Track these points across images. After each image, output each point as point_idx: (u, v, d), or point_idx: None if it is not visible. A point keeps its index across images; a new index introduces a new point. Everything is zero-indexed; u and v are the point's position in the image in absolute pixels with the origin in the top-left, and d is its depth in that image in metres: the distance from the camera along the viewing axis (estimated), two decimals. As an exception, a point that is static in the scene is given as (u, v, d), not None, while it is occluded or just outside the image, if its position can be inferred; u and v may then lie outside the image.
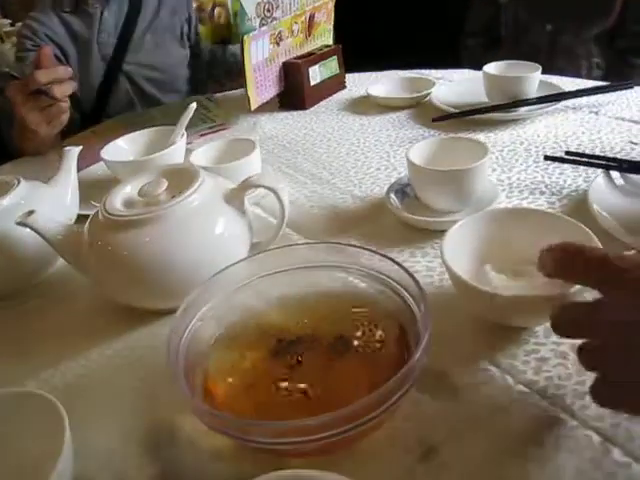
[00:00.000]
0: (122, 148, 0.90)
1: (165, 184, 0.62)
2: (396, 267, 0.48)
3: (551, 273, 0.42)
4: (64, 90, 0.95)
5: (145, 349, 0.59)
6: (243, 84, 1.04)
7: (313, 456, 0.43)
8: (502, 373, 0.48)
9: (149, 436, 0.49)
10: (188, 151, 0.89)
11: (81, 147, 0.84)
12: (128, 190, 0.64)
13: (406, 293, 0.48)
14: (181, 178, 0.63)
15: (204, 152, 0.83)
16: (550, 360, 0.49)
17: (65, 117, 1.00)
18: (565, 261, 0.40)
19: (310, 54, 1.14)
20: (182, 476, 0.45)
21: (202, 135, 1.08)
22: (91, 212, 0.65)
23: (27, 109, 0.96)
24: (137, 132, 0.93)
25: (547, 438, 0.43)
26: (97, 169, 0.97)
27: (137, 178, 0.65)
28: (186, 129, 0.90)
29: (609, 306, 0.37)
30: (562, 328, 0.40)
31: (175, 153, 0.85)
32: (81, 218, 0.78)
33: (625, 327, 0.36)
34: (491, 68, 1.00)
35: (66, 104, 0.98)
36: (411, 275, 0.47)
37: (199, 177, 0.62)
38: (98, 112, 1.40)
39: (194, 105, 0.86)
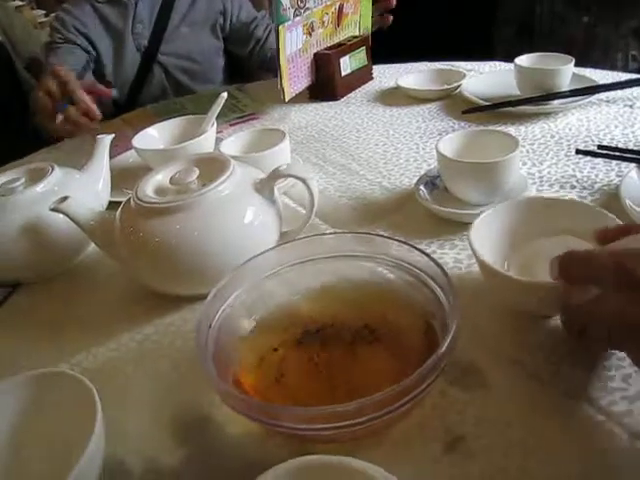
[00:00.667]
0: (153, 136, 0.91)
1: (196, 172, 0.62)
2: (425, 258, 0.49)
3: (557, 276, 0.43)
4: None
5: (175, 334, 0.60)
6: (276, 75, 1.04)
7: (340, 442, 0.44)
8: (527, 366, 0.48)
9: (179, 420, 0.50)
10: (218, 140, 0.90)
11: (113, 135, 0.85)
12: (160, 178, 0.65)
13: (434, 284, 0.48)
14: (212, 167, 0.64)
15: (234, 141, 0.83)
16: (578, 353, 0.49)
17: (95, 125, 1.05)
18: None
19: (339, 45, 1.14)
20: (211, 460, 0.46)
21: (232, 125, 1.09)
22: (123, 199, 0.66)
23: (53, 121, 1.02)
24: (168, 121, 0.94)
25: (572, 430, 0.43)
26: (129, 157, 0.98)
27: (168, 166, 0.66)
28: (216, 118, 0.91)
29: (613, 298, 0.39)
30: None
31: (205, 142, 0.86)
32: (113, 205, 0.79)
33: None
34: (523, 60, 0.98)
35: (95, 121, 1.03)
36: (440, 266, 0.47)
37: (230, 166, 0.63)
38: (132, 102, 1.42)
39: (225, 94, 0.87)
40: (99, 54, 1.37)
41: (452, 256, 0.64)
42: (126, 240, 0.62)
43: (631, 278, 0.37)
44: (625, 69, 1.36)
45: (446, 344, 0.40)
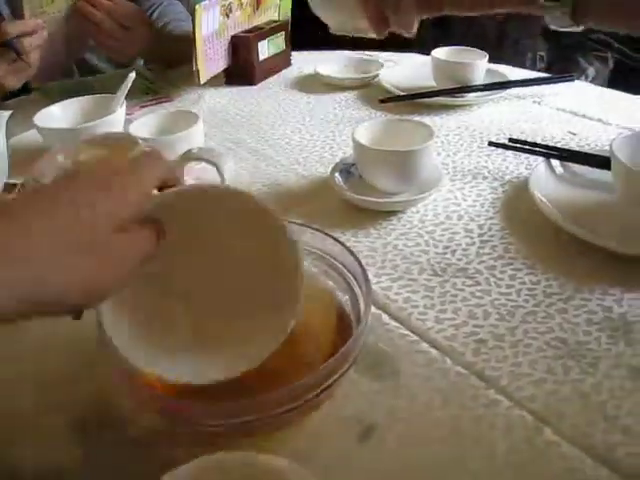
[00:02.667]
0: (56, 115, 0.85)
1: (102, 153, 0.59)
2: (339, 246, 0.48)
3: None
4: (32, 42, 0.93)
5: (70, 333, 0.56)
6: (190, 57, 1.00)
7: (249, 437, 0.42)
8: (441, 355, 0.49)
9: (77, 417, 0.46)
10: (127, 122, 0.86)
11: (11, 112, 0.79)
12: (60, 159, 0.61)
13: (348, 273, 0.47)
14: (119, 148, 0.60)
15: (144, 123, 0.79)
16: (488, 342, 0.50)
17: (32, 70, 0.97)
18: None
19: (258, 28, 1.11)
20: (112, 460, 0.43)
21: (143, 106, 1.04)
22: (20, 181, 0.62)
23: None
24: (73, 99, 0.88)
25: (483, 418, 0.43)
26: (30, 136, 0.91)
27: (70, 146, 0.62)
28: (126, 99, 0.86)
29: None
30: None
31: (113, 122, 0.81)
32: (10, 187, 0.73)
33: None
34: (440, 53, 1.00)
35: (35, 56, 0.95)
36: (353, 255, 0.46)
37: (137, 147, 0.60)
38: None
39: (133, 74, 0.83)
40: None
41: (366, 244, 0.63)
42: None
43: None
44: (533, 68, 1.41)
45: (356, 335, 0.39)
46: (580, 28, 0.58)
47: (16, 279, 0.29)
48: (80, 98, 0.89)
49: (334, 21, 0.70)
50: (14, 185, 0.62)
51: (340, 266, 0.48)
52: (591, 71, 1.44)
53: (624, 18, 0.57)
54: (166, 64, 1.23)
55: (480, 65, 0.97)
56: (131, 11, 1.07)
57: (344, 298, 0.48)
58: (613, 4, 0.57)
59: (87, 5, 1.01)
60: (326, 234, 0.49)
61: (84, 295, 0.32)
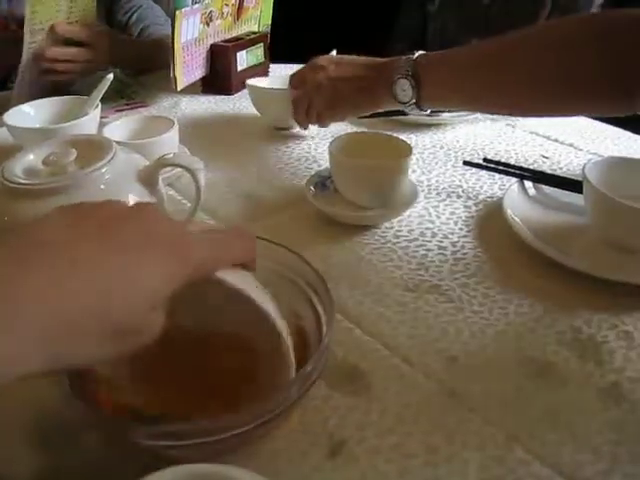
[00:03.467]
0: (28, 114, 0.84)
1: (74, 154, 0.57)
2: (302, 263, 0.46)
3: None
4: None
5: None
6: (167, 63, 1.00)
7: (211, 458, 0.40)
8: (413, 371, 0.48)
9: (31, 426, 0.45)
10: (102, 125, 0.84)
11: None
12: (31, 158, 0.59)
13: (309, 288, 0.46)
14: (92, 150, 0.59)
15: (119, 127, 0.78)
16: (459, 359, 0.50)
17: None
18: None
19: (237, 39, 1.11)
20: (68, 472, 0.41)
21: (118, 110, 1.03)
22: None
23: None
24: (46, 99, 0.87)
25: (454, 434, 0.43)
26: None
27: (42, 146, 0.60)
28: (102, 102, 0.85)
29: None
30: None
31: (87, 124, 0.80)
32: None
33: None
34: None
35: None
36: (317, 273, 0.45)
37: (111, 150, 0.58)
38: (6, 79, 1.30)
39: (111, 76, 0.82)
40: None
41: (340, 258, 0.63)
42: (-13, 223, 0.56)
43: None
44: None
45: (317, 356, 0.38)
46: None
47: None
48: (53, 98, 0.87)
49: (270, 118, 0.95)
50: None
51: (301, 282, 0.46)
52: None
53: (466, 103, 0.72)
54: (140, 71, 1.22)
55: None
56: (89, 31, 1.05)
57: (305, 316, 0.46)
58: (453, 91, 0.69)
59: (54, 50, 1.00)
60: (289, 249, 0.47)
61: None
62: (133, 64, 1.19)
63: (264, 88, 0.94)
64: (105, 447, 0.41)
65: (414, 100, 0.69)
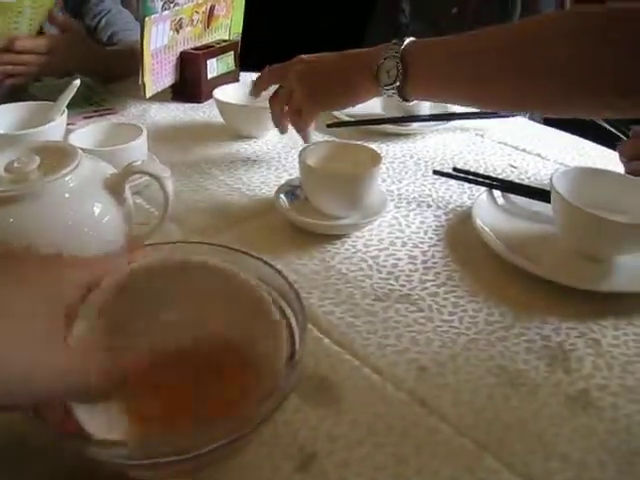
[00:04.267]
0: (-9, 120, 0.82)
1: (37, 161, 0.56)
2: (272, 271, 0.44)
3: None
4: None
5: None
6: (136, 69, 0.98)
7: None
8: (384, 381, 0.48)
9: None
10: (68, 132, 0.82)
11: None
12: (-7, 165, 0.58)
13: (282, 300, 0.43)
14: (56, 157, 0.57)
15: (85, 133, 0.76)
16: (430, 369, 0.49)
17: None
18: None
19: (207, 47, 1.10)
20: None
21: (85, 117, 1.01)
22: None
23: None
24: (10, 104, 0.85)
25: (424, 445, 0.42)
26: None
27: (4, 152, 0.59)
28: (69, 109, 0.83)
29: None
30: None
31: (53, 131, 0.78)
32: None
33: None
34: None
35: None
36: (289, 282, 0.43)
37: (76, 157, 0.57)
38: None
39: (77, 82, 0.80)
40: None
41: (310, 267, 0.62)
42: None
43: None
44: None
45: (292, 366, 0.37)
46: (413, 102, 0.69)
47: None
48: (18, 104, 0.85)
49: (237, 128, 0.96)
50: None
51: (275, 293, 0.44)
52: None
53: (447, 95, 0.68)
54: (109, 78, 1.20)
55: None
56: (46, 40, 1.03)
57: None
58: (442, 77, 0.65)
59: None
60: (264, 261, 0.45)
61: None
62: (100, 71, 1.17)
63: (231, 104, 0.93)
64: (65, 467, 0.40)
65: (398, 83, 0.65)
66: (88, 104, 1.08)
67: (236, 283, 0.43)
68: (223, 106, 0.93)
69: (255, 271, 0.45)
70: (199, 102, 1.10)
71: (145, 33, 0.94)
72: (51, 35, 1.06)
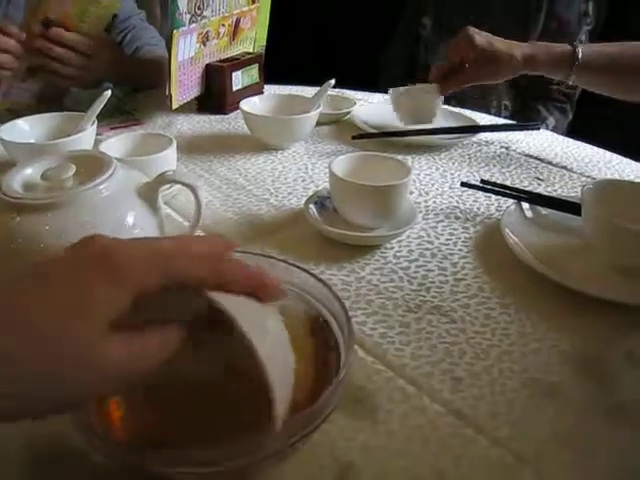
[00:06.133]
0: (22, 129, 0.83)
1: (73, 169, 0.56)
2: (319, 285, 0.45)
3: None
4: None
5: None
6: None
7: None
8: (419, 392, 0.48)
9: (28, 451, 0.43)
10: (97, 143, 0.83)
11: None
12: (29, 172, 0.58)
13: (328, 313, 0.44)
14: (91, 165, 0.58)
15: (116, 143, 0.77)
16: (464, 380, 0.49)
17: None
18: None
19: (233, 59, 1.11)
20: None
21: (113, 128, 1.02)
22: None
23: None
24: (41, 114, 0.86)
25: (462, 456, 0.42)
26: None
27: (40, 160, 0.59)
28: (100, 119, 0.84)
29: None
30: None
31: (83, 141, 0.79)
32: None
33: None
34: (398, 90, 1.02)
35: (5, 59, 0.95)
36: (337, 298, 0.43)
37: (111, 165, 0.58)
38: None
39: (108, 93, 0.81)
40: None
41: (340, 278, 0.62)
42: (-18, 240, 0.55)
43: None
44: (497, 116, 1.45)
45: (339, 381, 0.37)
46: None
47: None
48: (49, 114, 0.86)
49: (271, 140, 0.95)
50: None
51: (320, 306, 0.45)
52: (551, 120, 1.49)
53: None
54: (135, 88, 1.22)
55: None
56: (92, 40, 1.04)
57: (321, 338, 0.44)
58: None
59: (45, 42, 0.99)
60: (311, 274, 0.45)
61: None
62: (130, 80, 1.19)
63: (258, 115, 0.94)
64: (109, 472, 0.40)
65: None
66: (119, 114, 1.09)
67: None
68: (250, 117, 0.94)
69: (300, 283, 0.45)
70: (224, 114, 1.11)
71: (173, 45, 0.96)
72: (96, 36, 1.05)
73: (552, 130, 1.32)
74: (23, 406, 0.29)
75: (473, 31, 0.95)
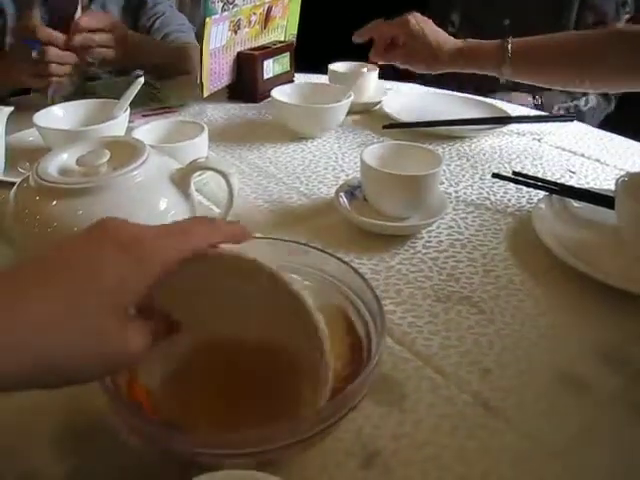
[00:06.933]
0: (57, 116, 0.84)
1: (107, 155, 0.57)
2: (354, 275, 0.45)
3: None
4: (60, 56, 0.96)
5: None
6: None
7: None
8: (447, 382, 0.48)
9: (63, 427, 0.44)
10: (129, 129, 0.85)
11: (12, 108, 0.78)
12: (65, 158, 0.59)
13: (361, 303, 0.44)
14: (124, 151, 0.59)
15: (148, 130, 0.78)
16: (493, 371, 0.49)
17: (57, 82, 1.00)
18: None
19: (264, 47, 1.11)
20: (103, 475, 0.41)
21: (145, 116, 1.03)
22: (16, 179, 0.60)
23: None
24: (75, 101, 0.87)
25: (490, 448, 0.42)
26: (27, 135, 0.90)
27: (76, 146, 0.60)
28: (132, 106, 0.85)
29: None
30: None
31: (116, 127, 0.80)
32: (3, 185, 0.73)
33: None
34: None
35: (58, 70, 0.97)
36: (371, 288, 0.43)
37: (144, 151, 0.59)
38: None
39: (141, 80, 0.82)
40: (5, 22, 1.26)
41: (369, 267, 0.63)
42: (20, 223, 0.56)
43: None
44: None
45: (370, 370, 0.37)
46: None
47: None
48: (83, 101, 0.87)
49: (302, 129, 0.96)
50: (8, 184, 0.60)
51: (353, 295, 0.45)
52: (592, 99, 1.47)
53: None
54: (162, 75, 1.23)
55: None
56: (106, 17, 1.07)
57: (353, 329, 0.45)
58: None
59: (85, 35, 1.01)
60: (343, 261, 0.46)
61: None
62: (157, 65, 1.20)
63: (289, 104, 0.95)
64: (141, 452, 0.41)
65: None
66: (151, 101, 1.10)
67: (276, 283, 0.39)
68: (282, 106, 0.94)
69: (334, 272, 0.46)
70: (255, 102, 1.11)
71: (205, 33, 0.96)
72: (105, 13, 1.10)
73: (590, 111, 1.31)
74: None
75: (414, 16, 0.98)
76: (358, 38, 1.02)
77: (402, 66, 1.02)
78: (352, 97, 0.94)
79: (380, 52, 1.01)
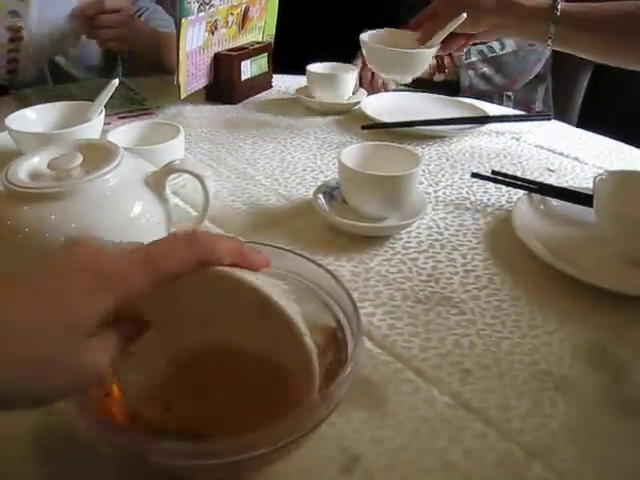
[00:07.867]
0: (30, 119, 0.82)
1: (80, 158, 0.56)
2: (327, 276, 0.44)
3: None
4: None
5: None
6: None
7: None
8: (428, 384, 0.47)
9: (37, 434, 0.43)
10: (104, 131, 0.83)
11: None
12: (35, 161, 0.58)
13: (335, 305, 0.43)
14: (98, 155, 0.58)
15: (123, 132, 0.76)
16: (474, 372, 0.48)
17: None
18: None
19: (242, 48, 1.10)
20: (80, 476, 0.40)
21: (120, 117, 1.02)
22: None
23: None
24: (49, 104, 0.85)
25: (472, 450, 0.42)
26: (1, 138, 0.88)
27: (47, 149, 0.59)
28: (106, 108, 0.84)
29: None
30: None
31: (89, 130, 0.78)
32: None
33: None
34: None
35: None
36: (346, 290, 0.42)
37: (118, 155, 0.57)
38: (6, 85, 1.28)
39: (116, 81, 0.80)
40: None
41: (349, 269, 0.62)
42: (-12, 228, 0.54)
43: None
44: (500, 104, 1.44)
45: (347, 374, 0.36)
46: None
47: None
48: (57, 103, 0.85)
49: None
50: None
51: (327, 297, 0.44)
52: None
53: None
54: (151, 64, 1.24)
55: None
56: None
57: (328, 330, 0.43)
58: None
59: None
60: (317, 263, 0.45)
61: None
62: (145, 51, 1.22)
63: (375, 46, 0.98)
64: (114, 464, 0.40)
65: None
66: (129, 103, 1.09)
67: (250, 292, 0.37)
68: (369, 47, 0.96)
69: (308, 274, 0.44)
70: (233, 103, 1.10)
71: (181, 34, 0.95)
72: None
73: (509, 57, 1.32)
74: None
75: None
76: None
77: (443, 32, 0.93)
78: (438, 46, 0.96)
79: (422, 19, 0.98)
